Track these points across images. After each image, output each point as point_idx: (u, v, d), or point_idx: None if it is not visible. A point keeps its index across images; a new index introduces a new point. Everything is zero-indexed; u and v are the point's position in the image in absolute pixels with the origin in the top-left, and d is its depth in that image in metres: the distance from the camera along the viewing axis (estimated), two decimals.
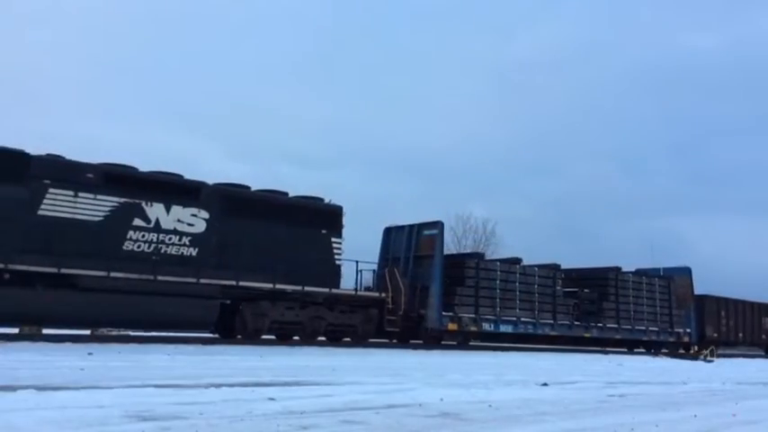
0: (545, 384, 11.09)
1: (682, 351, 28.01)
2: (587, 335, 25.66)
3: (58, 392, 6.79)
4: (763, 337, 35.28)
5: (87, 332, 16.57)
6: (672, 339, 28.80)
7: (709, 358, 24.99)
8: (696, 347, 28.57)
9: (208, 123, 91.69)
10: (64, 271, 14.50)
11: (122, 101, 79.20)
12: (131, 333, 17.71)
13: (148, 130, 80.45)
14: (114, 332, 17.86)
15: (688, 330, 29.35)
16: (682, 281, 29.69)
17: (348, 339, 19.92)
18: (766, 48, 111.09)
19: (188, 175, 17.16)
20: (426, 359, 15.80)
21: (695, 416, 8.11)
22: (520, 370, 13.91)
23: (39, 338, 14.75)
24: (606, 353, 25.00)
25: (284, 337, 18.72)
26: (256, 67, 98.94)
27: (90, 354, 11.52)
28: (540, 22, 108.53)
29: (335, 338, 19.74)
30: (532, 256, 26.56)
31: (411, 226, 22.69)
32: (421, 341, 21.86)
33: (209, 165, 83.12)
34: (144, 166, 16.62)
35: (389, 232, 23.20)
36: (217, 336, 18.32)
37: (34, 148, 15.05)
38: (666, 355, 26.53)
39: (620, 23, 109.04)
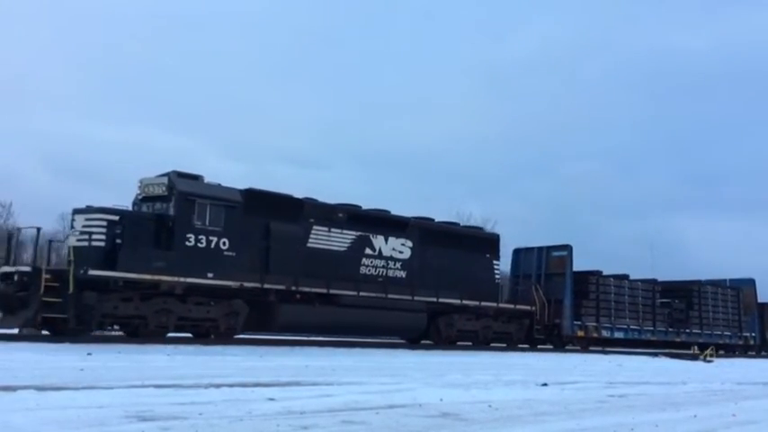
0: (545, 384, 11.09)
1: (681, 351, 28.08)
2: (678, 339, 29.92)
3: (58, 392, 6.79)
4: None
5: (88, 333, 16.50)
6: (741, 342, 33.31)
7: (708, 359, 25.00)
8: (696, 348, 28.66)
9: (203, 123, 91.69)
10: (332, 291, 18.45)
11: (117, 100, 79.33)
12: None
13: (143, 129, 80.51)
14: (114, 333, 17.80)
15: (753, 334, 34.03)
16: (748, 291, 34.19)
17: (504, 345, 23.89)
18: (756, 47, 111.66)
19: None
20: (426, 359, 15.77)
21: (695, 416, 8.11)
22: (520, 370, 13.92)
23: (37, 339, 14.90)
24: (607, 353, 25.05)
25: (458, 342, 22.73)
26: (252, 67, 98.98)
27: (89, 354, 11.52)
28: (534, 22, 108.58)
29: (486, 343, 23.33)
30: None
31: (540, 248, 26.50)
32: (551, 345, 25.80)
33: (205, 164, 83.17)
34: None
35: (519, 253, 26.82)
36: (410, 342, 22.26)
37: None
38: (666, 355, 26.54)
39: (614, 23, 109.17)
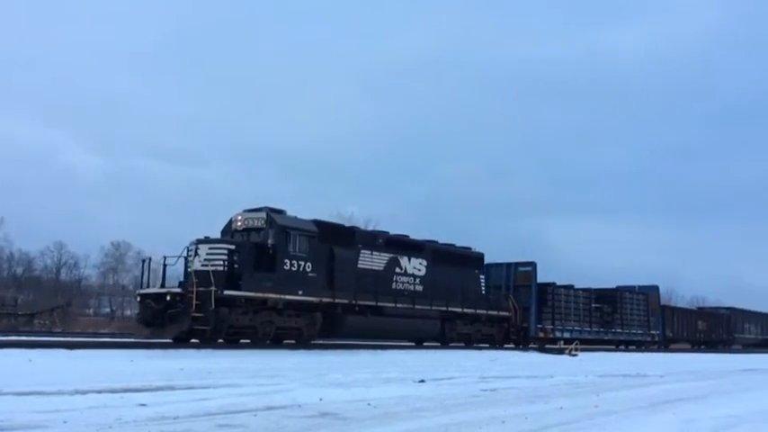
0: (422, 381, 11.33)
1: (548, 346, 29.59)
2: (606, 337, 35.78)
3: None
4: (697, 335, 46.40)
5: None
6: (649, 339, 39.46)
7: (573, 353, 26.41)
8: (562, 342, 30.28)
9: (64, 115, 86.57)
10: (379, 304, 22.21)
11: None
12: None
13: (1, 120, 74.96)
14: None
15: (658, 332, 40.22)
16: (653, 296, 40.58)
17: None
18: (615, 60, 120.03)
19: None
20: (306, 359, 15.65)
21: (561, 408, 8.55)
22: (398, 367, 14.12)
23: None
24: (480, 349, 25.93)
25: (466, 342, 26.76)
26: (117, 58, 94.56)
27: None
28: (411, 28, 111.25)
29: (471, 342, 27.00)
30: None
31: (508, 264, 31.27)
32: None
33: (64, 158, 78.67)
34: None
35: (490, 267, 30.04)
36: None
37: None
38: (536, 349, 27.85)
39: (484, 32, 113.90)
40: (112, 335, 27.74)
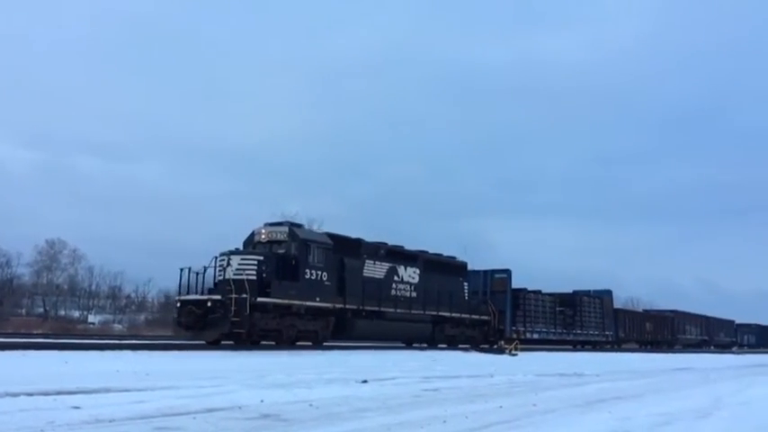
0: (365, 381, 11.33)
1: (485, 346, 30.09)
2: (568, 338, 39.37)
3: None
4: (645, 336, 50.27)
5: None
6: (604, 339, 42.69)
7: (513, 352, 26.84)
8: (502, 342, 30.79)
9: None
10: (382, 309, 24.46)
11: None
12: None
13: None
14: None
15: (611, 333, 43.80)
16: (607, 299, 44.31)
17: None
18: (555, 66, 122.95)
19: None
20: (248, 360, 15.44)
21: (501, 407, 8.68)
22: (341, 367, 14.09)
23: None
24: (424, 349, 26.12)
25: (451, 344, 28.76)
26: (50, 50, 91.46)
27: None
28: (355, 28, 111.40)
29: (456, 343, 29.03)
30: None
31: (485, 271, 33.54)
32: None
33: None
34: None
35: (469, 274, 31.60)
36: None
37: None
38: (477, 349, 28.21)
39: (428, 34, 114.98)
40: (46, 335, 26.90)
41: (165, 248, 77.58)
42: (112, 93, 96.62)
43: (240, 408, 7.38)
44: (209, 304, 19.45)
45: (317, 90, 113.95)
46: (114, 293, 66.47)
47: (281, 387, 9.69)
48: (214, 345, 19.37)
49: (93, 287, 65.85)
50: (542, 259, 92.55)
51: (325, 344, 22.93)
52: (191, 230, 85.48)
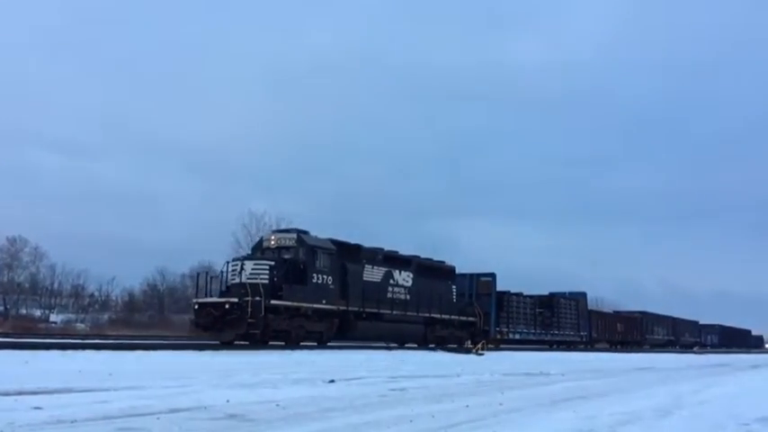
0: (332, 381, 11.32)
1: (453, 346, 30.28)
2: (546, 338, 41.07)
3: None
4: (616, 336, 52.03)
5: None
6: (578, 339, 44.61)
7: (479, 352, 27.04)
8: (470, 342, 31.01)
9: None
10: (380, 311, 25.41)
11: None
12: None
13: None
14: None
15: (585, 333, 45.57)
16: (582, 301, 46.34)
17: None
18: (513, 68, 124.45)
19: None
20: (213, 359, 15.27)
21: (467, 406, 8.73)
22: (308, 368, 14.02)
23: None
24: (390, 348, 26.16)
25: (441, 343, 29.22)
26: (7, 43, 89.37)
27: None
28: (321, 27, 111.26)
29: (445, 344, 29.67)
30: None
31: (471, 274, 34.52)
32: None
33: None
34: None
35: (456, 277, 32.46)
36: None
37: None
38: (444, 349, 28.32)
39: (393, 35, 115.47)
40: (6, 335, 26.31)
41: (129, 247, 76.49)
42: (74, 89, 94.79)
43: (206, 408, 7.31)
44: (226, 306, 20.36)
45: (282, 89, 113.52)
46: (77, 292, 65.25)
47: (247, 387, 9.63)
48: (228, 345, 20.16)
49: (56, 285, 64.60)
50: (510, 260, 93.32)
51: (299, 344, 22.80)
52: (154, 229, 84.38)
